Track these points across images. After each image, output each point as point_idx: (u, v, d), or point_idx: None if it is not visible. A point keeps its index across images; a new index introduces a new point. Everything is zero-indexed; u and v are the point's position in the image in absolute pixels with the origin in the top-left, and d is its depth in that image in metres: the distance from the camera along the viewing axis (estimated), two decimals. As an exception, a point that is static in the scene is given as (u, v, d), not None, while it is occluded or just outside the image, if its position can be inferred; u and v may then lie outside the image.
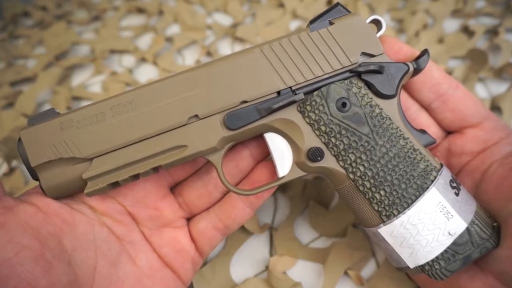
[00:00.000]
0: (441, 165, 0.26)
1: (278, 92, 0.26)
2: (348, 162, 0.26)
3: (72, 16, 0.66)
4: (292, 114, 0.26)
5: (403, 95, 0.30)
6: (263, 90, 0.26)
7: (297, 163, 0.27)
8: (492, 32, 0.56)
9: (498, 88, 0.48)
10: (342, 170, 0.26)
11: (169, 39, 0.60)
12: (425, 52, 0.27)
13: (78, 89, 0.52)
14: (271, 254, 0.36)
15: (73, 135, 0.25)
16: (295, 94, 0.26)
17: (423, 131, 0.27)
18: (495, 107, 0.46)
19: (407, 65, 0.26)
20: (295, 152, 0.27)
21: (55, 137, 0.25)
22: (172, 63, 0.55)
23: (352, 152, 0.26)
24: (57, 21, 0.64)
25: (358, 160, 0.26)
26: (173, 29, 0.62)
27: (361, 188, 0.26)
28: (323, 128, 0.26)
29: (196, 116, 0.26)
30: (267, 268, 0.35)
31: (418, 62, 0.27)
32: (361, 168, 0.26)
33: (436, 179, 0.25)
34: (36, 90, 0.51)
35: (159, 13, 0.66)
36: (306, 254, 0.35)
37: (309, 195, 0.39)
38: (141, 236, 0.29)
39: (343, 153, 0.26)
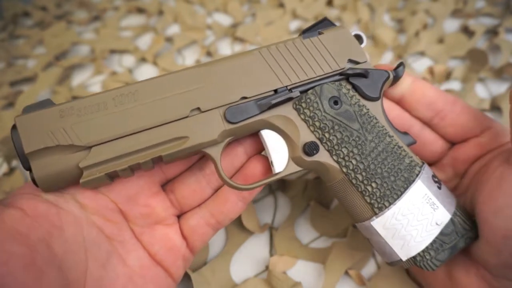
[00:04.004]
0: (423, 163, 0.28)
1: (275, 91, 0.28)
2: (341, 156, 0.27)
3: (72, 16, 0.66)
4: (288, 111, 0.28)
5: (405, 115, 0.32)
6: (262, 88, 0.28)
7: (293, 159, 0.28)
8: (492, 32, 0.56)
9: (498, 88, 0.48)
10: (336, 164, 0.27)
11: (169, 39, 0.60)
12: (401, 64, 0.30)
13: (78, 89, 0.52)
14: (271, 254, 0.36)
15: (73, 123, 0.25)
16: (291, 92, 0.28)
17: (405, 133, 0.29)
18: (495, 107, 0.46)
19: (388, 72, 0.29)
20: (291, 148, 0.28)
21: (54, 124, 0.25)
22: (172, 63, 0.55)
23: (345, 146, 0.27)
24: (57, 21, 0.64)
25: (351, 154, 0.27)
26: (173, 29, 0.62)
27: (354, 181, 0.27)
28: (317, 124, 0.27)
29: (198, 109, 0.26)
30: (267, 268, 0.35)
31: (397, 71, 0.30)
32: (354, 161, 0.27)
33: (420, 173, 0.27)
34: (36, 90, 0.51)
35: (159, 13, 0.66)
36: (306, 254, 0.35)
37: (310, 195, 0.39)
38: (132, 234, 0.28)
39: (336, 147, 0.27)
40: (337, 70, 0.29)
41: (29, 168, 0.25)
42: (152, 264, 0.28)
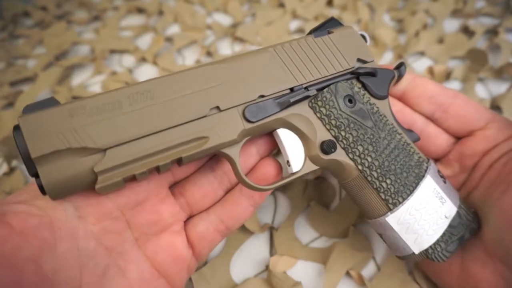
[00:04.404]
0: (428, 159, 0.29)
1: (291, 89, 0.28)
2: (357, 154, 0.27)
3: (72, 16, 0.66)
4: (304, 109, 0.28)
5: (407, 110, 0.32)
6: (279, 86, 0.27)
7: (310, 157, 0.28)
8: (492, 32, 0.56)
9: (498, 88, 0.48)
10: (351, 162, 0.28)
11: (169, 39, 0.60)
12: (402, 64, 0.31)
13: (78, 89, 0.52)
14: (271, 254, 0.36)
15: (84, 123, 0.22)
16: (308, 90, 0.28)
17: (410, 130, 0.30)
18: (495, 107, 0.46)
19: (393, 71, 0.30)
20: (307, 147, 0.28)
21: (64, 125, 0.22)
22: (172, 63, 0.55)
23: (361, 144, 0.27)
24: (57, 21, 0.64)
25: (366, 152, 0.27)
26: (173, 29, 0.62)
27: (369, 178, 0.27)
28: (333, 122, 0.28)
29: (217, 107, 0.25)
30: (267, 268, 0.35)
31: (400, 70, 0.31)
32: (369, 159, 0.27)
33: (428, 168, 0.28)
34: (36, 90, 0.51)
35: (159, 13, 0.66)
36: (306, 254, 0.35)
37: (310, 195, 0.39)
38: (134, 244, 0.26)
39: (352, 145, 0.27)
40: (348, 69, 0.29)
41: (35, 174, 0.22)
42: (154, 276, 0.26)
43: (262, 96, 0.27)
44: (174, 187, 0.29)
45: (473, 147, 0.30)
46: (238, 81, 0.26)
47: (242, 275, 0.35)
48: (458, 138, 0.32)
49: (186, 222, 0.29)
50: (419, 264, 0.33)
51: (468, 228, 0.28)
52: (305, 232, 0.37)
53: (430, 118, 0.32)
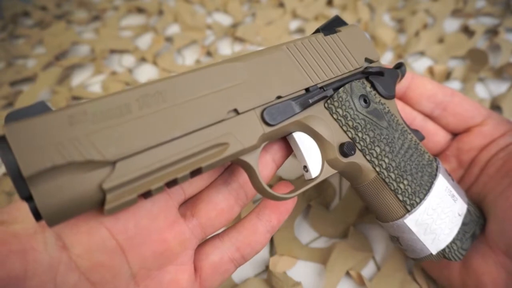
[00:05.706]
0: (435, 157, 0.29)
1: (307, 89, 0.26)
2: (374, 155, 0.27)
3: (72, 16, 0.66)
4: (319, 110, 0.26)
5: (407, 108, 0.33)
6: (295, 86, 0.26)
7: (328, 161, 0.26)
8: (492, 32, 0.56)
9: (498, 88, 0.48)
10: (369, 164, 0.27)
11: (169, 39, 0.60)
12: (401, 64, 0.31)
13: (78, 89, 0.52)
14: (271, 254, 0.36)
15: (88, 132, 0.19)
16: (324, 90, 0.26)
17: (415, 130, 0.30)
18: (495, 107, 0.46)
19: (397, 71, 0.30)
20: (325, 150, 0.26)
21: (63, 134, 0.19)
22: (172, 63, 0.55)
23: (378, 145, 0.27)
24: (57, 21, 0.64)
25: (383, 153, 0.27)
26: (173, 29, 0.62)
27: (387, 180, 0.27)
28: (350, 123, 0.27)
29: (235, 110, 0.23)
30: (267, 268, 0.35)
31: (401, 70, 0.30)
32: (386, 160, 0.27)
33: (438, 167, 0.28)
34: (36, 90, 0.51)
35: (159, 13, 0.66)
36: (306, 254, 0.35)
37: (310, 195, 0.39)
38: (131, 280, 0.23)
39: (369, 146, 0.27)
40: (358, 68, 0.28)
41: (28, 196, 0.18)
42: None
43: (279, 97, 0.25)
44: (184, 207, 0.26)
45: (470, 143, 0.31)
46: (255, 80, 0.24)
47: (242, 275, 0.35)
48: (455, 134, 0.33)
49: (196, 250, 0.26)
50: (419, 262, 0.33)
51: (478, 224, 0.28)
52: (305, 232, 0.37)
53: (429, 116, 0.32)
